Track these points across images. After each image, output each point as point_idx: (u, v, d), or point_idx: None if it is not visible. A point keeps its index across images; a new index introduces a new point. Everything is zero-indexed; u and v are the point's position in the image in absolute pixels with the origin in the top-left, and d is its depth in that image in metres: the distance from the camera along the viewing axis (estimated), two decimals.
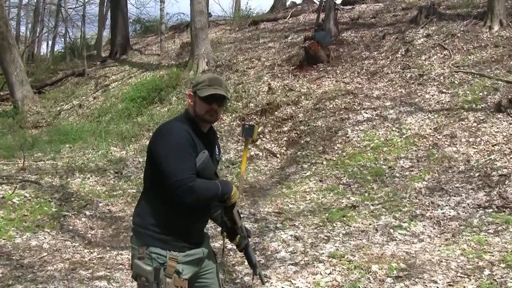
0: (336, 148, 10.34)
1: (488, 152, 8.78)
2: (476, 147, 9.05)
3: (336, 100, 12.25)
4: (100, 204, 8.76)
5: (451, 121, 10.04)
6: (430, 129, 10.01)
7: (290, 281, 5.53)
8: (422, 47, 13.76)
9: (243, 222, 3.43)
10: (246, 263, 6.09)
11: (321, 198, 8.55)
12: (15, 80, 17.53)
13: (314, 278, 5.53)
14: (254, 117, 12.58)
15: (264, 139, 11.58)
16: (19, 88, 17.62)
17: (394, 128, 10.38)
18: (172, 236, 3.06)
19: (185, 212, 3.07)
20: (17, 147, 12.34)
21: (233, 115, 12.87)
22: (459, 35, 13.62)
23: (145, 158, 3.24)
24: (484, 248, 5.92)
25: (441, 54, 13.07)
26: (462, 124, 9.84)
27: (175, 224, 3.08)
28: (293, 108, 12.49)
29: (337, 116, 11.50)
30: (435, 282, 5.20)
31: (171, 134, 3.03)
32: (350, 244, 6.45)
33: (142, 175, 3.33)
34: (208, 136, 3.23)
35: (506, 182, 7.74)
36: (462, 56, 12.66)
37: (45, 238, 7.24)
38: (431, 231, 6.74)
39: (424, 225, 6.94)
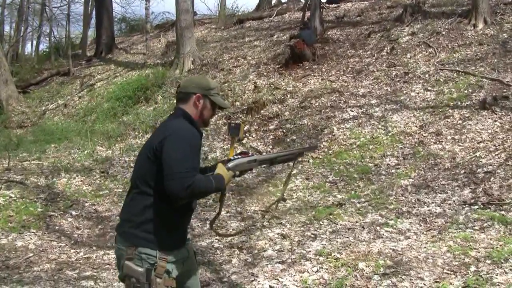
0: (322, 146, 10.36)
1: (473, 149, 8.84)
2: (461, 144, 9.11)
3: (322, 98, 12.27)
4: (86, 204, 8.71)
5: (437, 118, 10.10)
6: (416, 126, 10.06)
7: (277, 279, 5.54)
8: (407, 45, 13.82)
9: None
10: (233, 261, 6.13)
11: (308, 196, 8.56)
12: None
13: (301, 276, 5.54)
14: (240, 116, 12.56)
15: (250, 137, 11.57)
16: (4, 88, 17.53)
17: (380, 126, 10.42)
18: (163, 235, 3.04)
19: (181, 209, 3.06)
20: (2, 147, 12.24)
21: (219, 114, 12.82)
22: (444, 33, 13.71)
23: (139, 156, 3.20)
24: (470, 245, 5.96)
25: (426, 52, 13.14)
26: (447, 121, 9.90)
27: (168, 221, 3.06)
28: (279, 106, 12.50)
29: (323, 114, 11.53)
30: (422, 279, 5.23)
31: (189, 135, 3.03)
32: (337, 241, 6.47)
33: (129, 174, 3.28)
34: None
35: (491, 179, 7.79)
36: (447, 54, 12.74)
37: (31, 238, 7.19)
38: (418, 228, 6.77)
39: (410, 222, 6.97)
